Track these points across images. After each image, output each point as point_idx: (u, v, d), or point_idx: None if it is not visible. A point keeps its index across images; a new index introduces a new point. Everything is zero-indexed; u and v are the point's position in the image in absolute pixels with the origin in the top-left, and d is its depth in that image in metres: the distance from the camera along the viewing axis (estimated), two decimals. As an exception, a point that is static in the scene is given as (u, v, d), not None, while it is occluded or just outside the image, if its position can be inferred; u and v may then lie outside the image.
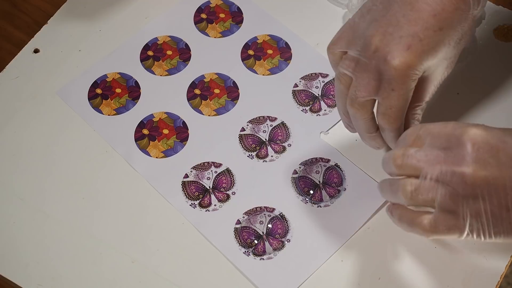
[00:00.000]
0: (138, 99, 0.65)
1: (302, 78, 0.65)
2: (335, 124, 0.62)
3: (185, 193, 0.59)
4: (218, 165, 0.60)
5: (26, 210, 0.59)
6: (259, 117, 0.63)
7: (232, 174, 0.60)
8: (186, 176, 0.60)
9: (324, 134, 0.61)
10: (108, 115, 0.64)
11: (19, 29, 0.70)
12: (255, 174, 0.60)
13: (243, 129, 0.62)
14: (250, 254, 0.56)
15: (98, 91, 0.65)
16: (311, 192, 0.58)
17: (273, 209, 0.58)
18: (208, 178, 0.60)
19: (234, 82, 0.65)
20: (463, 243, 0.54)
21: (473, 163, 0.43)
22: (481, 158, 0.43)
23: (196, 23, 0.69)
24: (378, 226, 0.57)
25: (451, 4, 0.47)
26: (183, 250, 0.56)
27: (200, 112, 0.64)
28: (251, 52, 0.67)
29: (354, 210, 0.57)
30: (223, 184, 0.59)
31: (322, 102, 0.63)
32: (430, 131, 0.47)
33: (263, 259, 0.56)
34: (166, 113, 0.64)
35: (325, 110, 0.63)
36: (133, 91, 0.65)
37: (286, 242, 0.56)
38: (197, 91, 0.65)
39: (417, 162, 0.46)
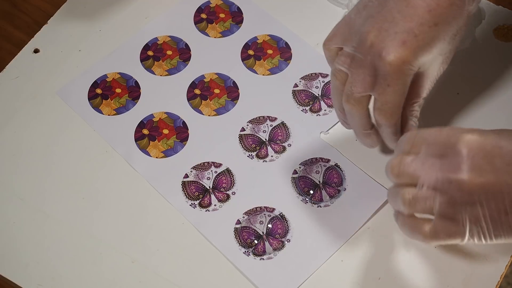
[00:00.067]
0: (138, 99, 0.65)
1: (302, 78, 0.65)
2: (335, 124, 0.62)
3: (185, 193, 0.59)
4: (218, 165, 0.60)
5: (26, 210, 0.59)
6: (259, 117, 0.63)
7: (232, 174, 0.60)
8: (186, 176, 0.60)
9: (324, 134, 0.61)
10: (108, 115, 0.64)
11: (19, 29, 0.70)
12: (255, 174, 0.60)
13: (243, 129, 0.62)
14: (250, 254, 0.56)
15: (98, 91, 0.65)
16: (311, 192, 0.58)
17: (273, 209, 0.58)
18: (208, 178, 0.60)
19: (234, 82, 0.65)
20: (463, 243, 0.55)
21: (469, 170, 0.43)
22: (477, 165, 0.43)
23: (196, 23, 0.69)
24: (378, 226, 0.57)
25: (446, 0, 0.47)
26: (183, 250, 0.56)
27: (200, 112, 0.64)
28: (251, 52, 0.67)
29: (354, 210, 0.57)
30: (223, 184, 0.59)
31: (322, 102, 0.63)
32: (425, 139, 0.47)
33: (263, 259, 0.56)
34: (166, 113, 0.64)
35: (325, 110, 0.63)
36: (133, 91, 0.65)
37: (286, 242, 0.56)
38: (197, 91, 0.65)
39: (413, 171, 0.46)
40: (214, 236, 0.57)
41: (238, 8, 0.70)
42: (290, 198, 0.58)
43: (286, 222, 0.57)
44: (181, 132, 0.62)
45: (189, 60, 0.67)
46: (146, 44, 0.68)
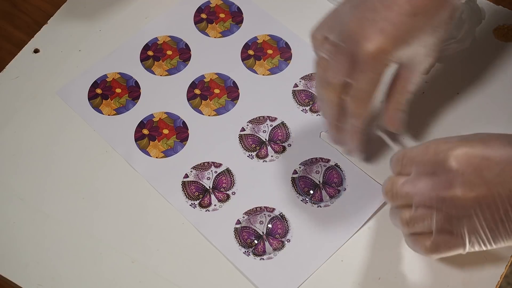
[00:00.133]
0: (138, 99, 0.65)
1: (302, 78, 0.65)
2: (335, 124, 0.62)
3: (185, 193, 0.59)
4: (218, 165, 0.60)
5: (26, 210, 0.59)
6: (259, 117, 0.63)
7: (232, 174, 0.60)
8: (186, 176, 0.60)
9: (324, 133, 0.61)
10: (108, 115, 0.64)
11: (19, 29, 0.70)
12: (255, 174, 0.60)
13: (243, 129, 0.62)
14: (250, 254, 0.56)
15: (98, 91, 0.65)
16: (311, 192, 0.58)
17: (273, 209, 0.58)
18: (208, 178, 0.60)
19: (234, 82, 0.65)
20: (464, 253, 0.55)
21: (461, 186, 0.44)
22: (468, 180, 0.44)
23: (196, 23, 0.69)
24: (378, 226, 0.57)
25: None
26: (183, 250, 0.56)
27: (200, 112, 0.64)
28: (251, 52, 0.67)
29: (354, 210, 0.57)
30: (223, 184, 0.59)
31: (322, 102, 0.63)
32: (413, 159, 0.48)
33: (263, 259, 0.56)
34: (166, 113, 0.64)
35: (325, 110, 0.63)
36: (133, 91, 0.65)
37: (286, 242, 0.56)
38: (197, 91, 0.65)
39: (407, 193, 0.48)
40: (214, 236, 0.57)
41: (238, 8, 0.70)
42: (290, 198, 0.58)
43: (286, 222, 0.57)
44: (181, 132, 0.62)
45: (189, 60, 0.67)
46: (146, 44, 0.68)
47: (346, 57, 0.49)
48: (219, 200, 0.58)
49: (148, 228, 0.58)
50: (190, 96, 0.64)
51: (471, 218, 0.45)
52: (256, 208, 0.58)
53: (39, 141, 0.62)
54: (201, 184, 0.59)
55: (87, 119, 0.63)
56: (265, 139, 0.62)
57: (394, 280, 0.54)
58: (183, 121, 0.63)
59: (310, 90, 0.64)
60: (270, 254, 0.56)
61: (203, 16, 0.70)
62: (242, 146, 0.61)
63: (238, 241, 0.56)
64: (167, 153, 0.61)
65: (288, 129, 0.62)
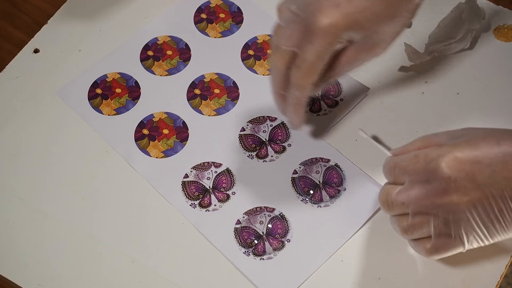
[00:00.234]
0: (138, 99, 0.65)
1: (302, 78, 0.65)
2: (335, 124, 0.62)
3: (185, 193, 0.59)
4: (218, 165, 0.60)
5: (26, 210, 0.59)
6: (259, 117, 0.63)
7: (232, 174, 0.60)
8: (186, 176, 0.60)
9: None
10: (108, 115, 0.64)
11: (19, 29, 0.70)
12: (255, 174, 0.60)
13: (243, 129, 0.62)
14: (250, 254, 0.56)
15: (98, 91, 0.65)
16: (311, 192, 0.58)
17: (273, 209, 0.58)
18: (208, 178, 0.60)
19: (234, 82, 0.65)
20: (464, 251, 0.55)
21: (455, 192, 0.45)
22: (461, 186, 0.45)
23: (196, 23, 0.69)
24: (378, 226, 0.57)
25: None
26: (183, 250, 0.56)
27: (200, 112, 0.64)
28: (251, 52, 0.67)
29: (354, 210, 0.57)
30: (223, 184, 0.59)
31: (322, 102, 0.63)
32: (404, 169, 0.49)
33: (263, 259, 0.56)
34: (166, 113, 0.64)
35: (325, 110, 0.63)
36: (133, 91, 0.65)
37: (286, 242, 0.56)
38: (197, 91, 0.65)
39: (402, 203, 0.49)
40: (214, 236, 0.57)
41: (238, 8, 0.70)
42: (290, 198, 0.58)
43: (286, 222, 0.57)
44: (181, 132, 0.62)
45: (189, 60, 0.67)
46: (146, 44, 0.68)
47: (299, 26, 0.49)
48: (219, 200, 0.58)
49: (148, 228, 0.58)
50: (190, 96, 0.64)
51: (468, 220, 0.46)
52: (256, 208, 0.58)
53: (39, 141, 0.62)
54: (201, 184, 0.59)
55: (87, 119, 0.63)
56: (265, 139, 0.62)
57: (394, 280, 0.54)
58: (183, 121, 0.63)
59: (310, 90, 0.64)
60: (270, 254, 0.56)
61: (203, 16, 0.70)
62: (242, 146, 0.61)
63: (238, 241, 0.56)
64: (167, 153, 0.61)
65: (288, 129, 0.62)
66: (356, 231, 0.56)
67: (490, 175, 0.45)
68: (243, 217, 0.58)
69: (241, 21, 0.69)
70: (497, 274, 0.54)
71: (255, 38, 0.68)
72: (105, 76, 0.66)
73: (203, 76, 0.66)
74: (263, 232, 0.57)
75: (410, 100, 0.63)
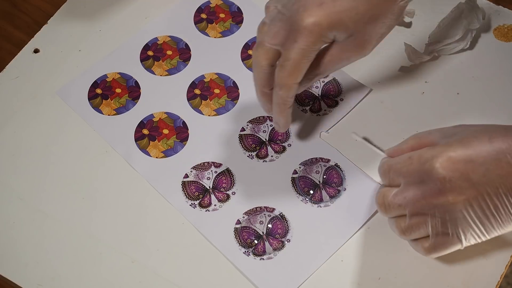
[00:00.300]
0: (138, 99, 0.65)
1: (302, 78, 0.65)
2: (335, 124, 0.62)
3: (185, 193, 0.59)
4: (218, 165, 0.60)
5: (26, 210, 0.59)
6: (259, 117, 0.63)
7: (232, 174, 0.60)
8: (186, 176, 0.60)
9: (324, 133, 0.61)
10: (108, 115, 0.64)
11: (19, 29, 0.70)
12: (255, 174, 0.60)
13: (243, 129, 0.62)
14: (250, 254, 0.56)
15: (98, 91, 0.65)
16: (311, 192, 0.58)
17: (273, 209, 0.58)
18: (208, 178, 0.60)
19: (234, 82, 0.65)
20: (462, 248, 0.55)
21: (450, 192, 0.46)
22: (455, 186, 0.46)
23: (196, 23, 0.69)
24: (378, 226, 0.57)
25: None
26: (183, 250, 0.56)
27: (200, 112, 0.64)
28: (251, 52, 0.67)
29: (354, 210, 0.57)
30: (223, 184, 0.59)
31: (322, 102, 0.63)
32: (399, 172, 0.49)
33: (263, 259, 0.55)
34: (166, 113, 0.64)
35: (325, 110, 0.63)
36: (133, 91, 0.65)
37: (286, 242, 0.56)
38: (197, 91, 0.65)
39: (399, 205, 0.49)
40: (214, 236, 0.57)
41: (238, 8, 0.70)
42: (290, 198, 0.58)
43: (286, 222, 0.57)
44: (181, 132, 0.62)
45: (189, 60, 0.67)
46: (146, 44, 0.68)
47: (284, 24, 0.49)
48: (219, 200, 0.58)
49: (148, 228, 0.58)
50: (190, 96, 0.64)
51: (464, 218, 0.46)
52: (256, 208, 0.58)
53: (38, 141, 0.62)
54: (201, 184, 0.59)
55: (87, 119, 0.63)
56: (265, 139, 0.62)
57: (394, 280, 0.54)
58: (183, 121, 0.63)
59: (310, 90, 0.64)
60: (270, 254, 0.56)
61: (203, 16, 0.70)
62: (242, 146, 0.61)
63: (238, 241, 0.56)
64: (167, 153, 0.61)
65: (288, 129, 0.62)
66: (356, 231, 0.56)
67: (484, 174, 0.45)
68: (243, 217, 0.58)
69: (241, 21, 0.69)
70: (497, 274, 0.54)
71: (255, 38, 0.68)
72: (105, 76, 0.66)
73: (203, 76, 0.66)
74: (263, 232, 0.57)
75: (410, 100, 0.63)
